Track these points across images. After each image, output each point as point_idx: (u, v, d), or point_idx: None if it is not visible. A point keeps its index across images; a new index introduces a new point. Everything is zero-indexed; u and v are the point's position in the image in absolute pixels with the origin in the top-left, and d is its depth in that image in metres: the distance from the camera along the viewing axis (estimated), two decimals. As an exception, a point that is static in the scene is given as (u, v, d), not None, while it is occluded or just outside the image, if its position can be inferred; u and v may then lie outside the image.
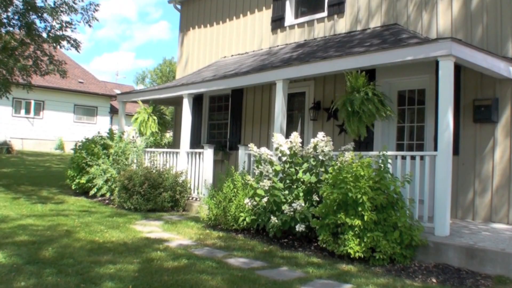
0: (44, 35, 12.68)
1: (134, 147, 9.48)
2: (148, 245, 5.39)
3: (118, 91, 35.11)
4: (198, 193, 8.58)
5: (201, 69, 11.25)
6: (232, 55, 11.14)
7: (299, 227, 5.50)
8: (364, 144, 7.92)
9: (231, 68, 9.73)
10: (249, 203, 6.03)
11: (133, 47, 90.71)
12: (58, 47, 13.13)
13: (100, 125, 28.83)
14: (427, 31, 7.62)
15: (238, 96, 10.73)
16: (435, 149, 7.37)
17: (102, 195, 9.48)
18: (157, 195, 8.17)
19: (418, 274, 4.86)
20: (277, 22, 10.09)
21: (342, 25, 8.90)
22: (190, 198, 8.86)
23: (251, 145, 6.26)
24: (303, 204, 5.44)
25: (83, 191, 10.10)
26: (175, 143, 12.80)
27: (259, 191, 5.96)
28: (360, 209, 5.05)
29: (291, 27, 9.83)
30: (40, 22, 12.55)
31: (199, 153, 8.84)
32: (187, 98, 9.29)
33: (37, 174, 14.21)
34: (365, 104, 5.94)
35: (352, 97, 6.17)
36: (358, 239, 5.09)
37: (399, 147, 8.02)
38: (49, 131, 26.04)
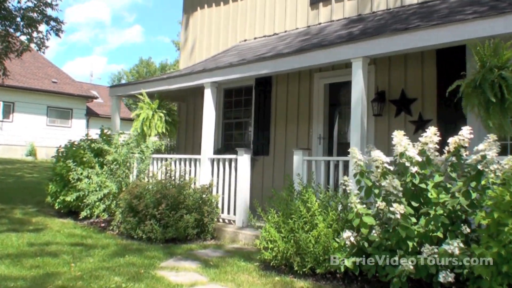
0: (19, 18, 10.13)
1: (140, 152, 7.22)
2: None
3: (95, 92, 32.24)
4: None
5: (217, 56, 9.09)
6: (255, 38, 9.03)
7: (446, 278, 3.45)
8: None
9: (261, 51, 7.62)
10: (352, 238, 3.95)
11: (105, 51, 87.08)
12: (35, 34, 10.58)
13: (75, 129, 26.13)
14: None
15: (264, 88, 8.62)
16: None
17: (97, 216, 7.19)
18: (177, 219, 5.95)
19: None
20: (319, -6, 8.06)
21: (413, -7, 6.94)
22: (219, 220, 6.69)
23: (354, 149, 4.15)
24: (462, 245, 3.38)
25: (69, 211, 7.77)
26: (178, 148, 10.57)
27: (367, 219, 3.89)
28: None
29: (339, -1, 7.82)
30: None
31: (230, 160, 6.68)
32: (210, 88, 7.11)
33: (6, 186, 11.64)
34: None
35: (492, 76, 4.16)
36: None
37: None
38: (19, 135, 23.14)
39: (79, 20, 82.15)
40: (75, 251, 5.20)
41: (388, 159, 3.99)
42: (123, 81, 54.46)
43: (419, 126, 6.60)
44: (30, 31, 10.16)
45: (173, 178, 6.74)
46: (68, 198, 7.34)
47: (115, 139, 7.25)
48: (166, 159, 7.30)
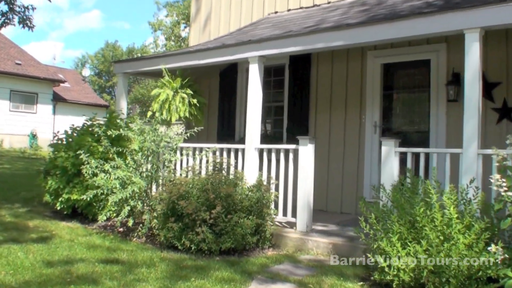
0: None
1: (168, 140, 5.90)
2: None
3: (61, 76, 29.70)
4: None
5: (244, 29, 7.80)
6: (289, 10, 7.81)
7: None
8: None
9: (308, 23, 6.44)
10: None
11: (62, 36, 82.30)
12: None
13: (41, 115, 23.98)
14: None
15: (302, 68, 7.45)
16: None
17: (108, 218, 5.76)
18: (234, 224, 4.73)
19: None
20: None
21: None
22: (273, 223, 5.49)
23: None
24: None
25: (73, 211, 6.34)
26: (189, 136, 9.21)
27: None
28: None
29: (400, -37, 6.73)
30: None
31: (286, 151, 5.51)
32: (257, 64, 5.84)
33: (-23, 180, 9.90)
34: None
35: None
36: None
37: None
38: (-20, 122, 20.85)
39: (35, 3, 77.19)
40: (115, 273, 3.89)
41: None
42: (87, 65, 51.37)
43: (504, 114, 5.69)
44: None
45: (224, 173, 5.46)
46: (75, 196, 5.92)
47: (137, 123, 5.86)
48: (204, 150, 6.01)
